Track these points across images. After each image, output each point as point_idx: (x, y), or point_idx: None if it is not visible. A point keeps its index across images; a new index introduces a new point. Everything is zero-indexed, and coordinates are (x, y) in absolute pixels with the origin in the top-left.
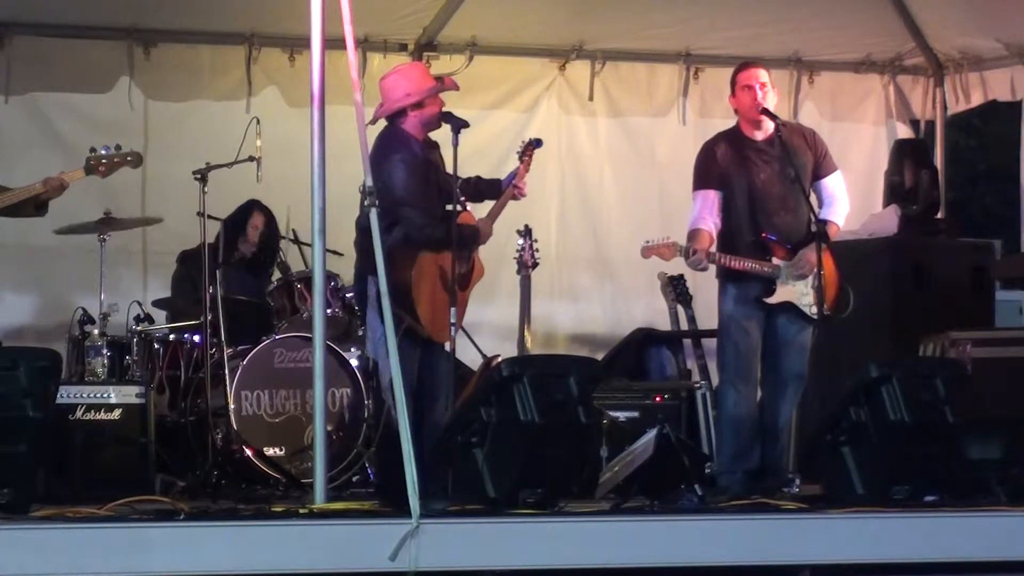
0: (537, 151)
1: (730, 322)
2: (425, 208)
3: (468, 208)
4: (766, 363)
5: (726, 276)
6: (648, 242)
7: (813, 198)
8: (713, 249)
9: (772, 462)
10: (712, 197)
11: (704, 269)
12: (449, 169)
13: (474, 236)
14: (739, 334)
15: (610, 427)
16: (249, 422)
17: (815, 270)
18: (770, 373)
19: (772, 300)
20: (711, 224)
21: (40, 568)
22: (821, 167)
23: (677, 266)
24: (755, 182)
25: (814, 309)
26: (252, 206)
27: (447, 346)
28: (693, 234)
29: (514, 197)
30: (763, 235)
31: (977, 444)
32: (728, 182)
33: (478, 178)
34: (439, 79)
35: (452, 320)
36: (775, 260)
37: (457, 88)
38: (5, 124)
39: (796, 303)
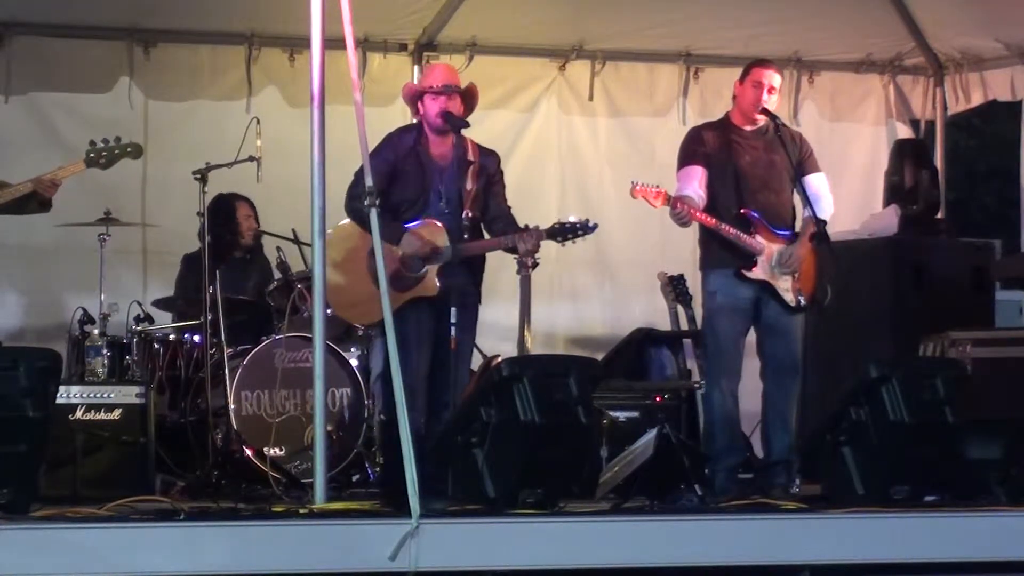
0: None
1: (712, 315)
2: (381, 192)
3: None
4: (764, 354)
5: (705, 268)
6: (637, 183)
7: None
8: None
9: (782, 455)
10: (697, 171)
11: (686, 224)
12: (470, 186)
13: (399, 236)
14: (720, 323)
15: (610, 427)
16: (249, 422)
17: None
18: (769, 363)
19: (752, 275)
20: (696, 195)
21: (40, 568)
22: (805, 165)
23: (676, 264)
24: (740, 163)
25: (790, 296)
26: (231, 199)
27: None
28: (679, 199)
29: (511, 248)
30: (743, 211)
31: (977, 444)
32: (713, 162)
33: (504, 223)
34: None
35: (452, 321)
36: (758, 237)
37: (475, 91)
38: (5, 124)
39: (776, 287)
